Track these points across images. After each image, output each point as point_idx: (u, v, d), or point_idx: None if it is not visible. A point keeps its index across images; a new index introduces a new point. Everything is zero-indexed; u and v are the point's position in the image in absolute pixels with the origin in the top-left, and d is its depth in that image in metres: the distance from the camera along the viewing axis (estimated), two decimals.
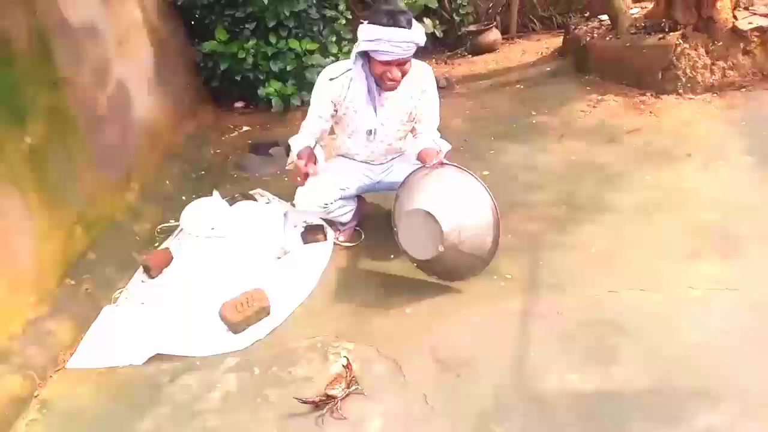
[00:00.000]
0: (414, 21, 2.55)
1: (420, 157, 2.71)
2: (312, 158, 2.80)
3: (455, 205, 2.48)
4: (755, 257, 2.55)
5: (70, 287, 2.76)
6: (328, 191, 2.86)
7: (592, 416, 1.97)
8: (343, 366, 2.22)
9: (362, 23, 2.57)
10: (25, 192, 2.59)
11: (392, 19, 2.47)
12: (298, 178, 2.77)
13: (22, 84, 2.67)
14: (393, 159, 3.02)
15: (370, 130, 2.82)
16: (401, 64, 2.59)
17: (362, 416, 2.10)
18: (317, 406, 2.12)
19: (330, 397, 2.11)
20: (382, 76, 2.61)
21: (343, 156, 3.04)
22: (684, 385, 2.02)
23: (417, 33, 2.53)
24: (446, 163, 2.60)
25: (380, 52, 2.52)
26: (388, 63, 2.56)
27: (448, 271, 2.64)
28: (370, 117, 2.77)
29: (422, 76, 2.76)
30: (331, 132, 3.01)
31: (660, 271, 2.56)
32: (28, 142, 2.65)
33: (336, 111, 2.79)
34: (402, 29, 2.47)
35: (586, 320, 2.36)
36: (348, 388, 2.16)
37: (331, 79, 2.71)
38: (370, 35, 2.50)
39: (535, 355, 2.24)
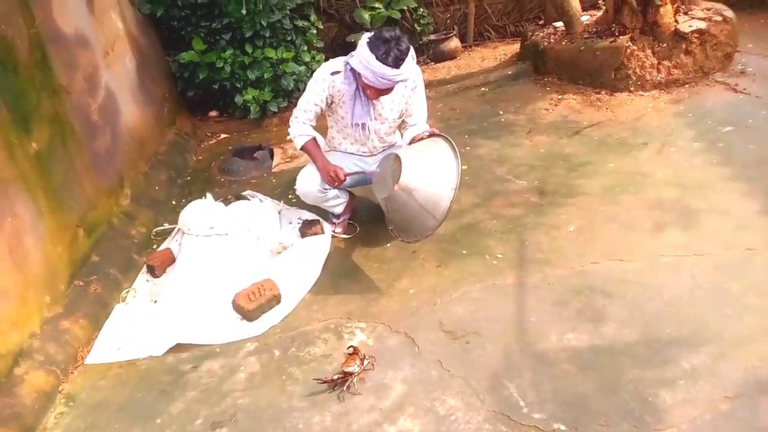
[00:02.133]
0: (407, 58, 2.65)
1: (414, 141, 2.93)
2: (321, 152, 3.06)
3: (424, 162, 2.68)
4: (713, 227, 2.88)
5: (79, 288, 2.82)
6: None
7: (591, 367, 2.22)
8: (349, 354, 2.36)
9: (365, 36, 2.69)
10: (35, 195, 2.65)
11: (385, 54, 2.60)
12: (335, 183, 2.98)
13: (27, 90, 2.74)
14: (384, 150, 3.21)
15: (360, 125, 2.98)
16: (381, 91, 2.78)
17: (385, 383, 2.28)
18: (336, 383, 2.27)
19: (347, 374, 2.27)
20: (364, 89, 2.83)
21: (335, 149, 3.22)
22: (666, 336, 2.30)
23: (404, 73, 2.66)
24: (439, 134, 2.84)
25: (364, 76, 2.70)
26: (369, 86, 2.76)
27: (406, 222, 2.76)
28: (359, 113, 2.94)
29: (412, 75, 2.96)
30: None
31: (633, 243, 2.86)
32: (35, 148, 2.71)
33: (332, 102, 2.97)
34: (389, 68, 2.61)
35: (575, 288, 2.62)
36: (362, 364, 2.32)
37: (332, 73, 2.88)
38: (361, 57, 2.66)
39: (533, 320, 2.48)
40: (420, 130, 3.01)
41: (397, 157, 2.67)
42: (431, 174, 2.66)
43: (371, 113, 2.96)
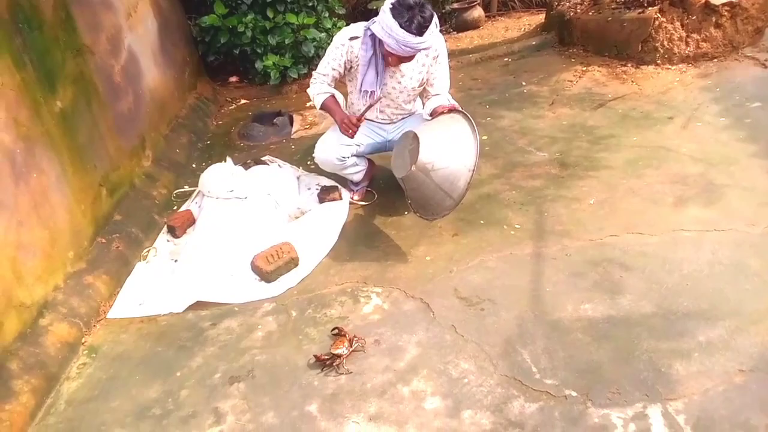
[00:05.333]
0: (431, 25, 2.60)
1: (435, 114, 2.91)
2: (340, 107, 3.02)
3: (443, 142, 2.67)
4: (736, 203, 2.84)
5: (102, 245, 2.88)
6: (345, 146, 3.04)
7: (606, 337, 2.22)
8: (334, 335, 2.35)
9: (389, 1, 2.61)
10: (60, 153, 2.70)
11: (408, 22, 2.54)
12: (349, 131, 2.91)
13: (51, 49, 2.76)
14: (404, 119, 3.19)
15: (368, 92, 2.92)
16: (402, 58, 2.75)
17: (400, 346, 2.31)
18: (325, 363, 2.25)
19: (335, 356, 2.24)
20: (385, 57, 2.79)
21: (354, 115, 3.20)
22: (684, 309, 2.29)
23: (427, 41, 2.61)
24: (459, 110, 2.82)
25: (386, 44, 2.65)
26: (391, 53, 2.71)
27: (424, 200, 2.77)
28: (370, 81, 2.88)
29: (434, 43, 2.91)
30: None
31: (654, 217, 2.83)
32: (60, 106, 2.75)
33: (351, 68, 2.95)
34: (412, 36, 2.56)
35: (593, 259, 2.61)
36: (351, 346, 2.28)
37: (350, 39, 2.85)
38: (384, 24, 2.60)
39: (549, 289, 2.49)
40: (442, 100, 2.99)
41: (416, 136, 2.66)
42: (449, 154, 2.66)
43: (380, 82, 2.90)
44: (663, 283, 2.43)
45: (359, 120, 2.89)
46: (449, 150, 2.65)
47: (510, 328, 2.32)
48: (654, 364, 2.08)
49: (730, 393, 1.95)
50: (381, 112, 3.12)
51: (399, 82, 2.96)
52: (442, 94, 3.02)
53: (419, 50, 2.69)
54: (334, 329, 2.38)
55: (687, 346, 2.13)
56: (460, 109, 2.86)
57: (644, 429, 1.86)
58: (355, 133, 2.92)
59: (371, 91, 2.93)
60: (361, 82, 2.90)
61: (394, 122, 3.19)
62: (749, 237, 2.61)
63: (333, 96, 3.02)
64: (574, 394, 2.01)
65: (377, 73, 2.88)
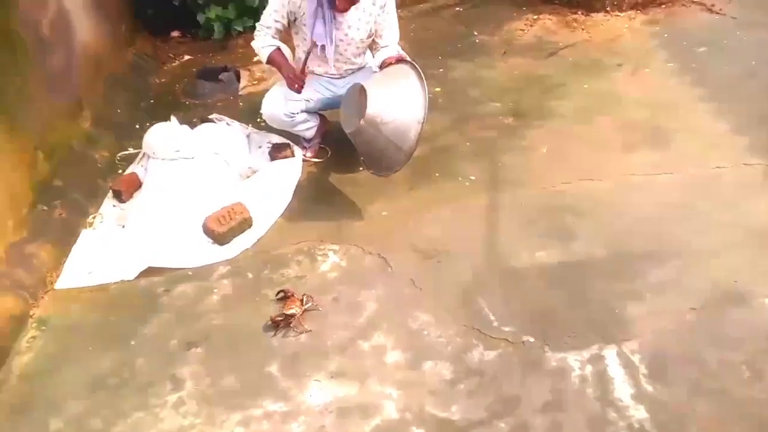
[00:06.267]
0: None
1: (383, 65, 2.84)
2: (287, 60, 2.94)
3: (390, 94, 2.63)
4: (683, 146, 2.91)
5: (43, 212, 2.74)
6: (293, 101, 2.95)
7: (561, 282, 2.27)
8: (278, 299, 2.31)
9: None
10: None
11: None
12: (296, 85, 2.86)
13: None
14: (353, 73, 3.10)
15: (320, 46, 2.84)
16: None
17: (359, 302, 2.30)
18: (279, 325, 2.21)
19: (289, 317, 2.20)
20: (333, 1, 2.68)
21: None
22: (635, 251, 2.36)
23: None
24: (407, 60, 2.76)
25: None
26: None
27: (375, 155, 2.74)
28: (319, 33, 2.80)
29: None
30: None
31: (604, 163, 2.87)
32: None
33: (295, 19, 2.84)
34: None
35: (546, 207, 2.65)
36: (302, 305, 2.25)
37: None
38: None
39: (504, 239, 2.52)
40: (391, 51, 2.91)
41: (363, 89, 2.59)
42: (397, 106, 2.61)
43: (333, 35, 2.82)
44: (614, 227, 2.49)
45: (302, 72, 2.80)
46: (397, 102, 2.60)
47: (467, 278, 2.35)
48: (608, 307, 2.14)
49: (683, 331, 2.03)
50: (330, 66, 3.01)
51: (346, 34, 2.86)
52: (391, 46, 2.94)
53: None
54: (279, 292, 2.33)
55: (639, 288, 2.20)
56: (409, 59, 2.80)
57: (601, 370, 1.93)
58: (302, 86, 2.84)
59: (322, 45, 2.83)
60: (311, 35, 2.79)
61: (345, 77, 3.09)
62: (696, 179, 2.69)
63: (279, 49, 2.90)
64: (531, 339, 2.06)
65: (325, 24, 2.77)
